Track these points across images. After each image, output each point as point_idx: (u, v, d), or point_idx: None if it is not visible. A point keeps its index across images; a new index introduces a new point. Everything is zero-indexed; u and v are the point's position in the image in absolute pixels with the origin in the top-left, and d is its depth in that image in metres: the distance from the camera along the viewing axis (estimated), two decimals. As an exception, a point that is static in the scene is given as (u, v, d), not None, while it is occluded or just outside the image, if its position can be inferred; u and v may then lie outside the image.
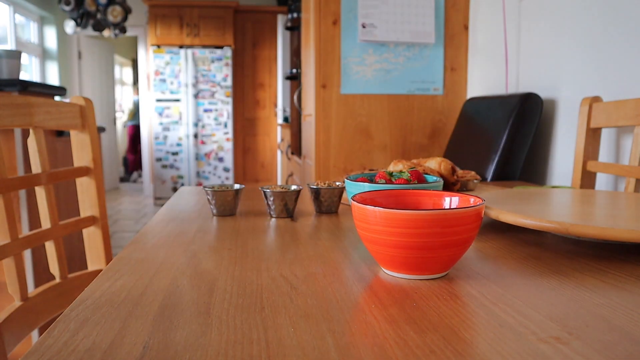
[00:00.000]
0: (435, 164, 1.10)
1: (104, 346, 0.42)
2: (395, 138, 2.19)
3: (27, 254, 1.94)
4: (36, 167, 1.05)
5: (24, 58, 5.28)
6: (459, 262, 0.66)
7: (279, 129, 5.14)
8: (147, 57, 6.21)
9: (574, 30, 1.54)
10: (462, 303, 0.51)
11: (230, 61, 5.83)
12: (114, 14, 4.98)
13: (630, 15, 1.32)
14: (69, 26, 5.04)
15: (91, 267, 1.22)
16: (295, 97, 3.16)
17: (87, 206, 1.20)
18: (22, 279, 0.98)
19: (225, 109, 5.89)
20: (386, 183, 0.86)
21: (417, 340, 0.43)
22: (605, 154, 1.43)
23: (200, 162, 5.95)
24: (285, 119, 4.53)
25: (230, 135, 5.93)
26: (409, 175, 0.87)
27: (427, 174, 0.98)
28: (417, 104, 2.19)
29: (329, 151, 2.16)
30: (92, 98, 6.40)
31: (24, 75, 5.27)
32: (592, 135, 1.37)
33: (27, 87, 1.95)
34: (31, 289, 1.63)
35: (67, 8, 4.78)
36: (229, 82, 5.86)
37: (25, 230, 1.92)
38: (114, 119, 7.28)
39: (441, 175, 1.08)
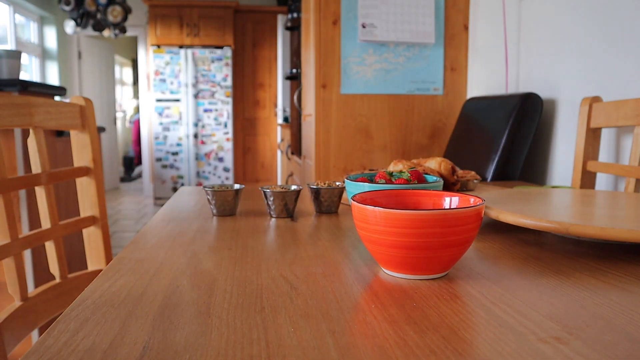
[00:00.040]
0: (435, 164, 1.10)
1: (104, 346, 0.42)
2: (395, 138, 2.19)
3: (27, 254, 1.94)
4: (36, 167, 1.05)
5: (24, 58, 5.28)
6: (459, 262, 0.66)
7: (279, 129, 5.15)
8: (147, 57, 6.21)
9: (574, 30, 1.54)
10: (462, 303, 0.51)
11: (230, 61, 5.83)
12: (114, 14, 4.98)
13: (631, 15, 1.32)
14: (69, 26, 5.04)
15: (91, 267, 1.22)
16: (295, 97, 3.16)
17: (87, 206, 1.20)
18: (22, 279, 0.98)
19: (225, 109, 5.89)
20: (386, 183, 0.86)
21: (417, 340, 0.43)
22: (605, 154, 1.43)
23: (200, 162, 5.95)
24: (285, 119, 4.53)
25: (230, 135, 5.93)
26: (409, 175, 0.87)
27: (427, 174, 0.98)
28: (417, 104, 2.19)
29: (329, 151, 2.16)
30: (92, 98, 6.40)
31: (24, 75, 5.27)
32: (592, 135, 1.37)
33: (27, 87, 1.95)
34: (31, 289, 1.63)
35: (67, 8, 4.78)
36: (229, 82, 5.86)
37: (25, 230, 1.92)
38: (114, 119, 7.28)
39: (441, 175, 1.08)
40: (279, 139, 5.19)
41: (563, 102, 1.61)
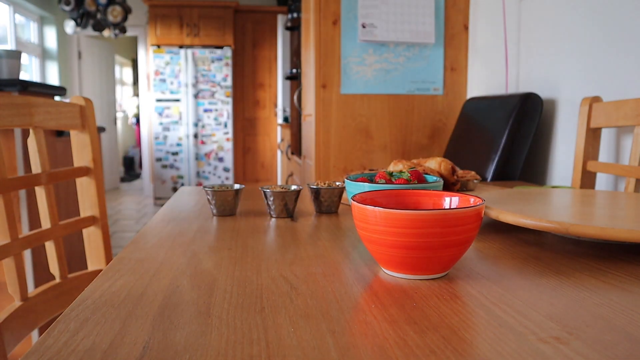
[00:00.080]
0: (435, 164, 1.10)
1: (104, 346, 0.42)
2: (395, 138, 2.19)
3: (27, 254, 1.94)
4: (36, 167, 1.05)
5: (24, 58, 5.28)
6: (459, 262, 0.66)
7: (279, 129, 5.15)
8: (147, 57, 6.21)
9: (574, 30, 1.54)
10: (462, 303, 0.51)
11: (230, 61, 5.83)
12: (114, 14, 4.98)
13: (631, 15, 1.32)
14: (69, 26, 5.04)
15: (91, 267, 1.22)
16: (295, 97, 3.16)
17: (87, 206, 1.20)
18: (22, 279, 0.98)
19: (225, 109, 5.89)
20: (386, 183, 0.86)
21: (417, 340, 0.43)
22: (605, 154, 1.43)
23: (200, 162, 5.95)
24: (285, 119, 4.53)
25: (230, 135, 5.93)
26: (409, 175, 0.87)
27: (427, 174, 0.98)
28: (417, 104, 2.19)
29: (329, 151, 2.16)
30: (92, 98, 6.40)
31: (24, 75, 5.27)
32: (592, 135, 1.37)
33: (27, 87, 1.95)
34: (31, 289, 1.63)
35: (67, 8, 4.78)
36: (229, 82, 5.86)
37: (25, 230, 1.92)
38: (114, 119, 7.28)
39: (441, 175, 1.08)
40: (279, 139, 5.19)
41: (563, 102, 1.61)
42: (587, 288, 0.56)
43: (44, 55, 5.65)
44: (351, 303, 0.51)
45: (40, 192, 1.07)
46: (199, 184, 5.94)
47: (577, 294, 0.54)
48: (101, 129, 2.32)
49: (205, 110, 5.88)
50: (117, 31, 5.21)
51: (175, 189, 5.93)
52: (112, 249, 2.91)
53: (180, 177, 5.94)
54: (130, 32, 6.08)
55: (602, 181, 1.44)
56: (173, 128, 5.88)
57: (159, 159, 5.90)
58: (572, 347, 0.41)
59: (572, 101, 1.56)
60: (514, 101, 1.67)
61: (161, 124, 5.86)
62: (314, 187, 0.97)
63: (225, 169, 5.98)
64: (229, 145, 5.95)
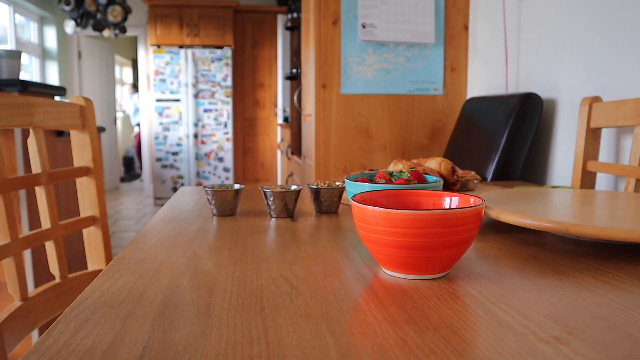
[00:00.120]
0: (435, 164, 1.10)
1: (104, 346, 0.42)
2: (395, 138, 2.19)
3: (27, 254, 1.94)
4: (36, 167, 1.05)
5: (24, 58, 5.28)
6: (459, 262, 0.66)
7: (279, 129, 5.15)
8: (147, 57, 6.21)
9: (574, 30, 1.54)
10: (462, 303, 0.51)
11: (230, 61, 5.83)
12: (114, 14, 4.98)
13: (630, 15, 1.32)
14: (69, 26, 5.04)
15: (91, 267, 1.22)
16: (295, 97, 3.16)
17: (87, 206, 1.20)
18: (22, 279, 0.98)
19: (225, 109, 5.89)
20: (386, 183, 0.86)
21: (417, 340, 0.43)
22: (605, 154, 1.43)
23: (200, 162, 5.95)
24: (285, 119, 4.53)
25: (230, 135, 5.93)
26: (409, 175, 0.87)
27: (427, 174, 0.98)
28: (417, 104, 2.19)
29: (329, 151, 2.16)
30: (92, 98, 6.40)
31: (24, 75, 5.27)
32: (592, 135, 1.37)
33: (27, 87, 1.95)
34: (31, 289, 1.63)
35: (67, 8, 4.78)
36: (229, 82, 5.86)
37: (25, 230, 1.92)
38: (114, 119, 7.28)
39: (441, 175, 1.08)
40: (279, 139, 5.19)
41: (563, 102, 1.61)
42: (587, 288, 0.56)
43: (44, 55, 5.66)
44: (351, 303, 0.51)
45: (40, 192, 1.07)
46: (199, 184, 5.94)
47: (577, 294, 0.54)
48: (101, 129, 2.32)
49: (205, 110, 5.88)
50: (117, 31, 5.21)
51: (175, 189, 5.93)
52: (112, 249, 2.91)
53: (180, 177, 5.94)
54: (130, 32, 6.08)
55: (602, 181, 1.44)
56: (173, 128, 5.88)
57: (159, 159, 5.90)
58: (572, 347, 0.41)
59: (572, 101, 1.56)
60: (514, 101, 1.67)
61: (161, 124, 5.86)
62: (314, 187, 0.97)
63: (225, 169, 5.98)
64: (229, 145, 5.95)
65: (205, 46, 5.82)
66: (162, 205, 5.45)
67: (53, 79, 5.68)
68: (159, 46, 5.76)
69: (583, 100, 1.38)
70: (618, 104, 1.28)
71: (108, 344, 0.42)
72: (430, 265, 0.57)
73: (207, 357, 0.40)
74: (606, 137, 1.43)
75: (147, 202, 6.17)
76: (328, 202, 0.98)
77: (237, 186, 0.97)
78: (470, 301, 0.52)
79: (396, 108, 2.18)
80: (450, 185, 1.09)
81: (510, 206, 0.81)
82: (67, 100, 1.20)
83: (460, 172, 1.20)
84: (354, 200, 0.61)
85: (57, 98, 3.05)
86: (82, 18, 4.90)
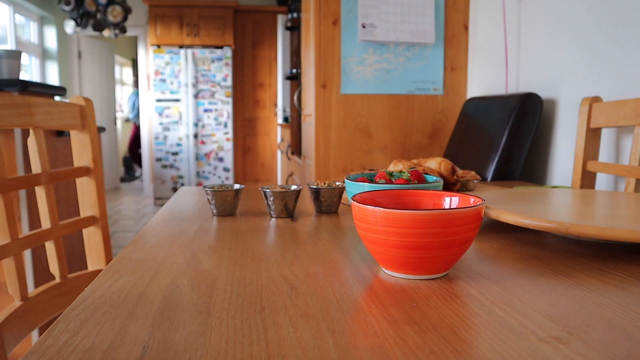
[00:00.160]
0: (435, 164, 1.10)
1: (104, 346, 0.42)
2: (395, 138, 2.19)
3: (27, 254, 1.94)
4: (36, 167, 1.05)
5: (24, 58, 5.28)
6: (459, 262, 0.66)
7: (279, 129, 5.15)
8: (147, 57, 6.21)
9: (574, 30, 1.54)
10: (462, 303, 0.51)
11: (230, 61, 5.83)
12: (114, 14, 4.98)
13: (630, 15, 1.32)
14: (69, 26, 5.04)
15: (91, 267, 1.22)
16: (295, 97, 3.16)
17: (87, 206, 1.20)
18: (22, 279, 0.98)
19: (225, 109, 5.89)
20: (386, 183, 0.86)
21: (417, 340, 0.43)
22: (605, 154, 1.43)
23: (200, 162, 5.95)
24: (285, 119, 4.53)
25: (230, 135, 5.93)
26: (409, 175, 0.87)
27: (427, 174, 0.98)
28: (417, 104, 2.19)
29: (329, 151, 2.16)
30: (92, 98, 6.40)
31: (24, 75, 5.27)
32: (592, 135, 1.37)
33: (27, 87, 1.95)
34: (31, 289, 1.63)
35: (67, 8, 4.78)
36: (229, 82, 5.86)
37: (25, 230, 1.92)
38: (114, 119, 7.28)
39: (441, 175, 1.08)
40: (279, 139, 5.19)
41: (563, 102, 1.61)
42: (587, 288, 0.56)
43: (44, 55, 5.66)
44: (351, 303, 0.51)
45: (40, 192, 1.07)
46: (199, 184, 5.94)
47: (577, 294, 0.54)
48: (101, 129, 2.32)
49: (205, 110, 5.88)
50: (117, 31, 5.21)
51: (175, 189, 5.93)
52: (112, 249, 2.91)
53: (180, 177, 5.94)
54: (130, 32, 6.08)
55: (602, 181, 1.44)
56: (173, 128, 5.88)
57: (159, 159, 5.90)
58: (572, 347, 0.41)
59: (572, 101, 1.56)
60: (514, 101, 1.67)
61: (161, 124, 5.86)
62: (314, 187, 0.97)
63: (225, 169, 5.98)
64: (229, 145, 5.95)
65: (205, 46, 5.82)
66: (162, 205, 5.45)
67: (53, 79, 5.68)
68: (159, 46, 5.76)
69: (583, 100, 1.38)
70: (618, 104, 1.28)
71: (108, 344, 0.42)
72: (430, 265, 0.57)
73: (207, 357, 0.40)
74: (606, 137, 1.43)
75: (147, 202, 6.17)
76: (328, 202, 0.98)
77: (237, 186, 0.97)
78: (470, 301, 0.52)
79: (396, 108, 2.18)
80: (450, 185, 1.09)
81: (510, 206, 0.81)
82: (67, 100, 1.20)
83: (460, 172, 1.20)
84: (354, 200, 0.61)
85: (57, 98, 3.05)
86: (82, 18, 4.90)
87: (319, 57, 2.13)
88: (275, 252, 0.70)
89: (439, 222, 0.54)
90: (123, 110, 8.97)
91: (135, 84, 7.56)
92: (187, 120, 5.86)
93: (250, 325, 0.46)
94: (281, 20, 4.71)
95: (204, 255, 0.69)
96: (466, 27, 2.20)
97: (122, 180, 8.19)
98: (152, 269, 0.63)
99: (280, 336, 0.43)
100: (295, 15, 3.26)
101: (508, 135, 1.65)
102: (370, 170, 1.18)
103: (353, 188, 0.85)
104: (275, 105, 6.09)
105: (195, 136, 5.90)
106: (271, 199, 0.93)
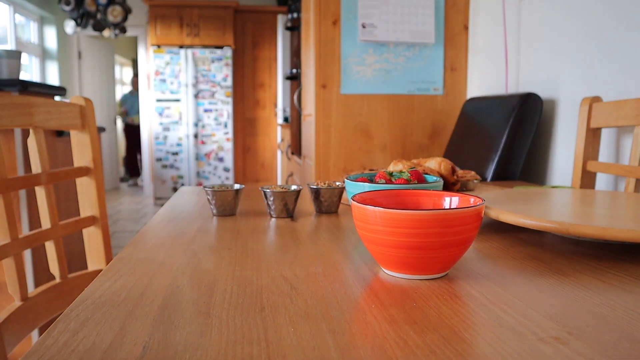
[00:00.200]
0: (435, 164, 1.10)
1: (104, 346, 0.42)
2: (395, 138, 2.19)
3: (27, 254, 1.94)
4: (36, 167, 1.05)
5: (24, 58, 5.28)
6: (459, 262, 0.66)
7: (279, 129, 5.15)
8: (147, 57, 6.21)
9: (574, 30, 1.54)
10: (462, 303, 0.51)
11: (230, 61, 5.83)
12: (114, 14, 4.98)
13: (630, 15, 1.32)
14: (69, 26, 5.04)
15: (91, 267, 1.22)
16: (295, 97, 3.16)
17: (87, 206, 1.20)
18: (22, 279, 0.98)
19: (225, 109, 5.89)
20: (386, 183, 0.86)
21: (417, 340, 0.43)
22: (605, 154, 1.43)
23: (200, 162, 5.95)
24: (285, 119, 4.53)
25: (230, 135, 5.93)
26: (409, 175, 0.87)
27: (427, 174, 0.98)
28: (417, 104, 2.19)
29: (329, 151, 2.16)
30: (92, 98, 6.40)
31: (24, 75, 5.27)
32: (592, 135, 1.37)
33: (27, 87, 1.95)
34: (31, 289, 1.63)
35: (67, 8, 4.78)
36: (229, 82, 5.86)
37: (25, 230, 1.92)
38: (114, 119, 7.28)
39: (441, 175, 1.08)
40: (279, 139, 5.19)
41: (563, 102, 1.61)
42: (587, 288, 0.56)
43: (44, 55, 5.66)
44: (351, 303, 0.51)
45: (40, 192, 1.07)
46: (199, 184, 5.94)
47: (577, 294, 0.54)
48: (101, 129, 2.32)
49: (206, 110, 5.88)
50: (117, 31, 5.21)
51: (175, 189, 5.93)
52: (112, 249, 2.91)
53: (180, 177, 5.94)
54: (130, 32, 6.08)
55: (602, 181, 1.44)
56: (173, 128, 5.88)
57: (159, 159, 5.90)
58: (572, 347, 0.41)
59: (572, 101, 1.56)
60: (514, 101, 1.67)
61: (161, 124, 5.86)
62: (314, 187, 0.97)
63: (225, 169, 5.98)
64: (229, 145, 5.95)
65: (205, 46, 5.82)
66: (162, 205, 5.45)
67: (53, 79, 5.68)
68: (159, 46, 5.76)
69: (583, 100, 1.38)
70: (618, 104, 1.28)
71: (108, 344, 0.42)
72: (430, 265, 0.57)
73: (207, 357, 0.40)
74: (606, 137, 1.43)
75: (147, 202, 6.17)
76: (328, 202, 0.98)
77: (237, 186, 0.97)
78: (470, 301, 0.52)
79: (396, 108, 2.18)
80: (450, 185, 1.09)
81: (510, 206, 0.81)
82: (67, 100, 1.20)
83: (460, 172, 1.20)
84: (354, 200, 0.61)
85: (57, 98, 3.05)
86: (82, 18, 4.90)
87: (319, 57, 2.13)
88: (275, 252, 0.70)
89: (439, 222, 0.54)
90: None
91: (133, 83, 7.44)
92: (187, 120, 5.86)
93: (250, 325, 0.46)
94: (281, 20, 4.71)
95: (204, 255, 0.69)
96: (466, 27, 2.20)
97: (122, 180, 8.18)
98: (152, 269, 0.63)
99: (280, 336, 0.43)
100: (295, 15, 3.26)
101: (508, 135, 1.65)
102: (370, 170, 1.18)
103: (353, 188, 0.85)
104: (275, 105, 6.09)
105: (196, 136, 5.90)
106: (271, 199, 0.93)
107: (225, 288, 0.56)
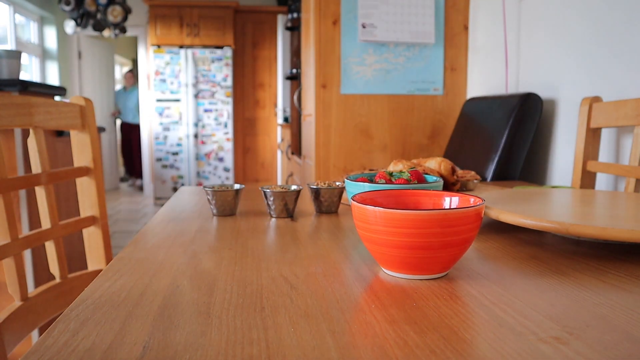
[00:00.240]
0: (435, 164, 1.10)
1: (104, 346, 0.42)
2: (395, 138, 2.19)
3: (27, 254, 1.94)
4: (36, 167, 1.05)
5: (24, 58, 5.28)
6: (459, 262, 0.66)
7: (279, 129, 5.15)
8: (147, 57, 6.21)
9: (574, 30, 1.54)
10: (462, 303, 0.51)
11: (230, 61, 5.83)
12: (114, 14, 4.98)
13: (631, 15, 1.32)
14: (69, 26, 5.04)
15: (91, 267, 1.22)
16: (295, 97, 3.16)
17: (87, 206, 1.20)
18: (22, 279, 0.98)
19: (225, 109, 5.89)
20: (386, 183, 0.86)
21: (417, 340, 0.43)
22: (605, 154, 1.43)
23: (200, 162, 5.95)
24: (285, 119, 4.53)
25: (230, 135, 5.93)
26: (409, 175, 0.87)
27: (427, 174, 0.98)
28: (417, 104, 2.19)
29: (329, 151, 2.16)
30: (92, 98, 6.40)
31: (24, 75, 5.27)
32: (592, 135, 1.37)
33: (27, 87, 1.95)
34: (31, 289, 1.63)
35: (67, 8, 4.78)
36: (229, 82, 5.86)
37: (25, 230, 1.92)
38: (115, 119, 7.28)
39: (441, 175, 1.08)
40: (279, 139, 5.19)
41: (563, 102, 1.61)
42: (587, 288, 0.56)
43: (44, 55, 5.66)
44: (351, 303, 0.51)
45: (40, 192, 1.07)
46: (199, 184, 5.94)
47: (577, 294, 0.54)
48: (101, 129, 2.32)
49: (206, 110, 5.88)
50: (117, 31, 5.21)
51: (175, 189, 5.93)
52: (112, 249, 2.91)
53: (180, 177, 5.94)
54: (130, 32, 6.08)
55: (602, 181, 1.44)
56: (173, 128, 5.88)
57: (159, 159, 5.90)
58: (572, 347, 0.41)
59: (572, 101, 1.56)
60: (514, 101, 1.67)
61: (161, 124, 5.86)
62: (314, 187, 0.97)
63: (225, 169, 5.98)
64: (229, 145, 5.95)
65: (205, 46, 5.82)
66: (162, 205, 5.45)
67: (53, 79, 5.68)
68: (159, 46, 5.76)
69: (583, 100, 1.38)
70: (618, 104, 1.28)
71: (108, 344, 0.42)
72: (430, 265, 0.57)
73: (207, 357, 0.40)
74: (606, 137, 1.43)
75: (147, 202, 6.17)
76: (328, 202, 0.98)
77: (237, 186, 0.97)
78: (470, 301, 0.52)
79: (396, 108, 2.18)
80: (450, 185, 1.09)
81: (510, 206, 0.81)
82: (67, 100, 1.20)
83: (460, 172, 1.20)
84: (354, 200, 0.61)
85: (57, 98, 3.04)
86: (82, 18, 4.90)
87: (319, 57, 2.13)
88: (275, 252, 0.70)
89: (439, 222, 0.54)
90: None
91: (125, 79, 7.21)
92: (187, 120, 5.86)
93: (250, 325, 0.46)
94: (281, 20, 4.71)
95: (204, 255, 0.69)
96: (466, 27, 2.20)
97: (122, 180, 8.18)
98: (152, 269, 0.63)
99: (280, 336, 0.43)
100: (295, 15, 3.26)
101: (508, 135, 1.65)
102: (370, 170, 1.18)
103: (353, 188, 0.85)
104: (275, 105, 6.09)
105: (196, 136, 5.90)
106: (271, 199, 0.93)
107: (225, 288, 0.56)
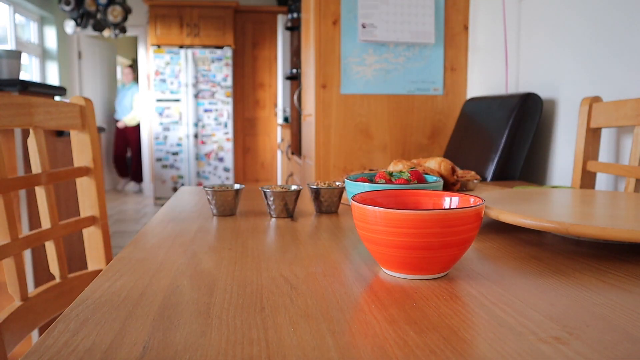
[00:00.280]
0: (435, 164, 1.10)
1: (104, 346, 0.42)
2: (395, 138, 2.19)
3: (27, 254, 1.94)
4: (36, 167, 1.05)
5: (24, 58, 5.28)
6: (459, 262, 0.66)
7: (279, 129, 5.15)
8: (147, 57, 6.21)
9: (574, 30, 1.54)
10: (462, 303, 0.51)
11: (230, 61, 5.83)
12: (114, 14, 4.98)
13: (631, 15, 1.32)
14: (69, 26, 5.04)
15: (91, 267, 1.22)
16: (295, 97, 3.16)
17: (87, 206, 1.20)
18: (22, 279, 0.98)
19: (225, 109, 5.89)
20: (386, 183, 0.86)
21: (417, 340, 0.43)
22: (605, 154, 1.43)
23: (200, 162, 5.95)
24: (285, 119, 4.53)
25: (230, 135, 5.93)
26: (409, 175, 0.87)
27: (427, 174, 0.98)
28: (417, 104, 2.19)
29: (329, 151, 2.16)
30: (92, 98, 6.39)
31: (24, 75, 5.27)
32: (592, 135, 1.37)
33: (27, 87, 1.95)
34: (31, 289, 1.63)
35: (67, 8, 4.78)
36: (229, 82, 5.86)
37: (25, 230, 1.92)
38: (114, 119, 7.28)
39: (441, 175, 1.08)
40: (279, 139, 5.19)
41: (563, 102, 1.61)
42: (587, 288, 0.56)
43: (44, 55, 5.65)
44: (351, 303, 0.51)
45: (40, 192, 1.07)
46: (199, 184, 5.94)
47: (577, 294, 0.54)
48: (101, 129, 2.32)
49: (206, 110, 5.88)
50: (117, 31, 5.21)
51: (175, 189, 5.93)
52: (112, 249, 2.91)
53: (180, 177, 5.94)
54: (130, 32, 6.08)
55: (602, 181, 1.44)
56: (173, 128, 5.88)
57: (159, 159, 5.90)
58: (572, 347, 0.41)
59: (572, 101, 1.56)
60: (514, 101, 1.67)
61: (161, 124, 5.86)
62: (314, 187, 0.97)
63: (225, 169, 5.98)
64: (229, 145, 5.95)
65: (205, 46, 5.82)
66: (162, 205, 5.45)
67: (53, 79, 5.68)
68: (159, 46, 5.76)
69: (583, 100, 1.38)
70: (618, 104, 1.28)
71: (108, 344, 0.42)
72: (430, 265, 0.57)
73: (207, 357, 0.40)
74: (606, 137, 1.43)
75: (147, 202, 6.17)
76: (328, 202, 0.98)
77: (237, 186, 0.97)
78: (470, 301, 0.52)
79: (396, 108, 2.18)
80: (450, 185, 1.09)
81: (510, 206, 0.81)
82: (67, 100, 1.20)
83: (460, 172, 1.20)
84: (354, 200, 0.61)
85: (57, 98, 3.04)
86: (82, 18, 4.90)
87: (319, 57, 2.13)
88: (275, 252, 0.70)
89: (439, 222, 0.54)
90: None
91: (124, 75, 7.06)
92: (187, 120, 5.86)
93: (250, 325, 0.46)
94: (281, 20, 4.71)
95: (204, 255, 0.69)
96: (466, 27, 2.20)
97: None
98: (152, 269, 0.63)
99: (280, 336, 0.43)
100: (295, 15, 3.26)
101: (508, 135, 1.65)
102: (370, 170, 1.18)
103: (353, 188, 0.85)
104: (275, 105, 6.09)
105: (196, 136, 5.90)
106: (271, 199, 0.93)
107: (225, 288, 0.56)
